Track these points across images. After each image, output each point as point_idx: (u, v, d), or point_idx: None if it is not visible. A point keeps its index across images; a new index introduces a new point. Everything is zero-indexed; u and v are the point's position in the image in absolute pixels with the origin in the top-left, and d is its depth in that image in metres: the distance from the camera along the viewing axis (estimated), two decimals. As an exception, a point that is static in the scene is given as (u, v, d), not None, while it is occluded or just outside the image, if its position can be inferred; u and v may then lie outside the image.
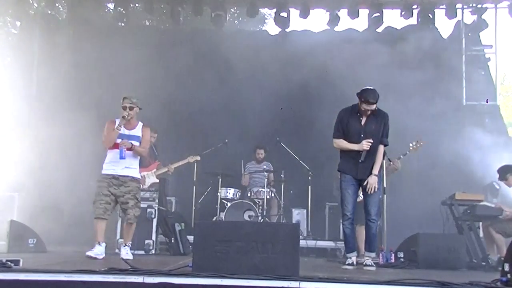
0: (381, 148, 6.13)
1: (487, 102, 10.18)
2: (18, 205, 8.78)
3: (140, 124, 6.67)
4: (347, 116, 6.17)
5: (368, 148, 5.98)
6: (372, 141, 5.98)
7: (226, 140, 9.66)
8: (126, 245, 6.65)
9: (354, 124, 6.10)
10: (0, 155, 8.87)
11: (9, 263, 4.27)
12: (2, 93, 10.03)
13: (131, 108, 6.45)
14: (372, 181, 6.01)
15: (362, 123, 6.07)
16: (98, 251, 6.19)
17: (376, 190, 6.05)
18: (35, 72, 10.43)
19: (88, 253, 6.08)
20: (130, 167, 6.49)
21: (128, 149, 6.38)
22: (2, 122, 9.45)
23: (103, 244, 6.34)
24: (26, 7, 10.43)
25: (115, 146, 6.40)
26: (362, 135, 6.04)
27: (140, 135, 6.60)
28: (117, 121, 6.42)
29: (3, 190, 8.99)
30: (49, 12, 10.47)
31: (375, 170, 6.05)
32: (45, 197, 8.73)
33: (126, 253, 6.56)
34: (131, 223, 6.60)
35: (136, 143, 6.48)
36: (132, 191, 6.48)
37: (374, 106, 5.94)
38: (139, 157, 6.66)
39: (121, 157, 6.32)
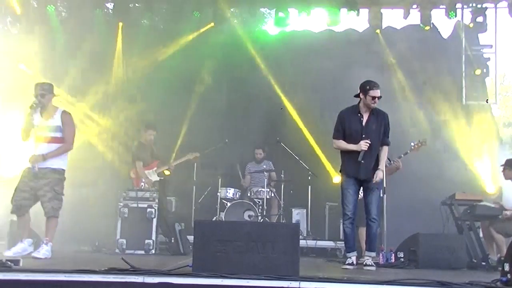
0: (385, 148, 6.18)
1: (487, 102, 10.16)
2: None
3: (60, 110, 6.19)
4: (348, 116, 6.20)
5: (366, 148, 5.99)
6: (369, 142, 5.99)
7: (226, 140, 9.66)
8: (44, 242, 6.02)
9: (355, 124, 6.12)
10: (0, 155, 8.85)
11: (9, 263, 4.27)
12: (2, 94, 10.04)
13: (42, 96, 6.03)
14: (380, 175, 6.05)
15: (363, 123, 6.09)
16: (20, 248, 5.89)
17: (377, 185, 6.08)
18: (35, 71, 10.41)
19: (6, 253, 5.82)
20: (51, 158, 6.03)
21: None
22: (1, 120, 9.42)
23: (26, 241, 5.99)
24: (26, 7, 10.41)
25: (35, 138, 6.06)
26: (363, 135, 6.05)
27: (60, 124, 6.10)
28: (31, 114, 6.03)
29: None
30: (49, 12, 10.43)
31: (381, 165, 6.10)
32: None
33: (44, 251, 5.90)
34: (49, 218, 6.04)
35: (56, 134, 6.06)
36: (50, 183, 5.99)
37: (379, 92, 5.98)
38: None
39: (33, 171, 5.95)
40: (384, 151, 6.19)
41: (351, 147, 6.08)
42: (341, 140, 6.18)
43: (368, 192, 6.14)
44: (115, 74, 10.46)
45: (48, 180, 6.01)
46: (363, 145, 5.99)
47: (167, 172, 8.76)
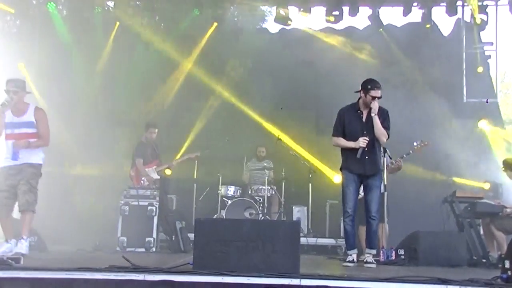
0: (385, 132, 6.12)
1: (487, 102, 10.13)
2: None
3: (32, 107, 6.01)
4: (348, 114, 6.20)
5: (365, 145, 5.98)
6: (368, 139, 5.98)
7: (227, 139, 9.65)
8: (22, 238, 5.82)
9: (355, 122, 6.13)
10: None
11: (10, 261, 4.28)
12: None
13: (15, 93, 5.84)
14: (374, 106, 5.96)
15: (363, 120, 6.09)
16: (6, 248, 5.79)
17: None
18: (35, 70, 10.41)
19: None
20: (25, 154, 5.88)
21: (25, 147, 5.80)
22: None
23: (12, 241, 5.86)
24: (25, 5, 10.41)
25: (8, 137, 5.90)
26: (364, 132, 6.05)
27: (33, 120, 5.93)
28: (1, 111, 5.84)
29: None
30: (49, 10, 10.43)
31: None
32: (47, 196, 8.74)
33: (19, 247, 5.72)
34: (23, 211, 5.86)
35: (30, 130, 5.91)
36: (25, 177, 5.82)
37: (380, 93, 5.97)
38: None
39: (14, 158, 5.80)
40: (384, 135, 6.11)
41: (350, 144, 6.07)
42: (340, 138, 6.17)
43: (369, 190, 6.13)
44: (121, 73, 10.43)
45: (23, 174, 5.84)
46: (362, 142, 5.98)
47: (168, 172, 8.76)
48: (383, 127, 6.07)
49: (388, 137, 6.17)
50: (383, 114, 6.14)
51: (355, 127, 6.11)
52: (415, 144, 7.54)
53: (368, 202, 6.11)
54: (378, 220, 6.18)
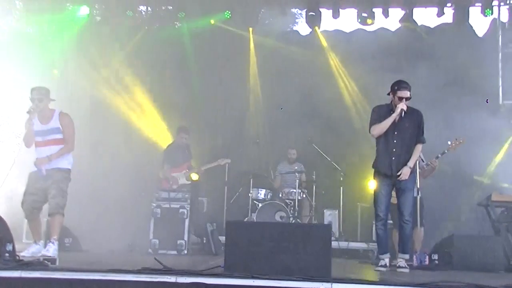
0: (418, 146, 6.09)
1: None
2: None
3: (57, 112, 6.09)
4: (383, 112, 6.13)
5: (405, 108, 5.87)
6: (405, 108, 5.88)
7: (258, 140, 9.65)
8: (50, 241, 5.85)
9: (386, 119, 6.04)
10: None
11: (46, 262, 4.38)
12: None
13: (40, 100, 5.95)
14: (405, 171, 5.94)
15: (396, 120, 6.02)
16: (35, 249, 5.90)
17: (407, 185, 5.99)
18: (67, 75, 10.62)
19: (23, 253, 5.73)
20: (55, 160, 5.97)
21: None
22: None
23: (41, 243, 6.00)
24: (60, 9, 10.60)
25: (38, 144, 6.01)
26: (395, 132, 6.00)
27: (59, 126, 6.03)
28: (30, 120, 5.95)
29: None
30: (82, 14, 10.62)
31: (411, 163, 5.99)
32: (80, 198, 8.91)
33: (46, 249, 5.75)
34: (52, 214, 5.92)
35: (58, 136, 6.02)
36: (55, 181, 5.91)
37: (409, 93, 5.92)
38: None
39: (41, 175, 5.89)
40: (417, 149, 6.10)
41: (390, 119, 5.97)
42: (377, 124, 6.09)
43: (401, 193, 6.06)
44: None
45: (54, 179, 5.94)
46: (401, 106, 5.86)
47: (194, 177, 8.71)
48: (418, 129, 6.03)
49: (423, 142, 6.10)
50: (418, 117, 6.07)
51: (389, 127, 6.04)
52: (449, 142, 7.36)
53: (400, 206, 6.04)
54: (411, 224, 6.09)
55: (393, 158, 6.00)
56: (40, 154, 6.00)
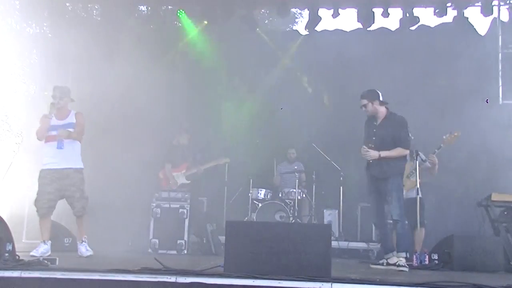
0: (398, 148, 6.21)
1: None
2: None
3: (73, 113, 6.49)
4: (368, 121, 6.51)
5: (368, 156, 6.19)
6: (366, 149, 6.19)
7: (257, 141, 9.65)
8: (82, 241, 6.43)
9: (368, 129, 6.43)
10: (37, 156, 9.04)
11: (46, 261, 4.39)
12: (39, 95, 10.25)
13: (61, 98, 6.35)
14: (371, 153, 6.18)
15: (375, 128, 6.31)
16: (44, 249, 6.05)
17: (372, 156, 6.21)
18: (70, 75, 10.61)
19: (32, 253, 5.91)
20: (70, 158, 6.32)
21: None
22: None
23: (49, 243, 6.18)
24: (61, 10, 10.58)
25: (50, 139, 6.28)
26: (374, 138, 6.28)
27: (74, 121, 6.42)
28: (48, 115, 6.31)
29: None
30: (84, 15, 10.60)
31: (383, 153, 6.16)
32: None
33: (85, 249, 6.38)
34: (80, 216, 6.37)
35: (70, 130, 6.34)
36: (76, 183, 6.28)
37: (363, 101, 6.33)
38: (78, 147, 6.49)
39: (59, 147, 6.21)
40: (396, 150, 6.20)
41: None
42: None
43: (384, 195, 6.28)
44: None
45: (73, 181, 6.27)
46: (362, 152, 6.23)
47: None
48: (397, 136, 6.18)
49: (405, 147, 6.21)
50: (397, 123, 6.26)
51: (368, 133, 6.42)
52: (444, 137, 7.35)
53: (391, 208, 6.25)
54: (402, 223, 6.20)
55: (371, 161, 6.23)
56: (51, 148, 6.23)
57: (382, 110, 6.32)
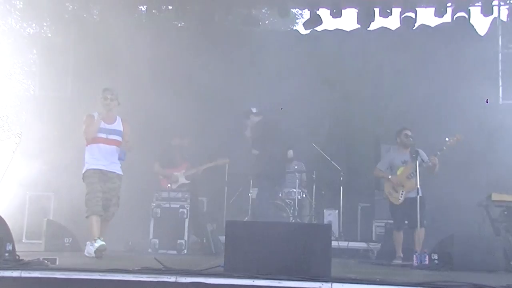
0: None
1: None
2: (54, 204, 8.98)
3: (119, 118, 6.53)
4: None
5: None
6: None
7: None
8: (99, 238, 6.17)
9: None
10: (37, 156, 9.03)
11: (46, 261, 4.38)
12: (39, 95, 10.25)
13: (112, 100, 6.36)
14: None
15: None
16: (99, 244, 6.01)
17: None
18: (70, 75, 10.61)
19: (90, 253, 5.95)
20: (115, 162, 6.41)
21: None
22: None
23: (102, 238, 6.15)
24: (60, 10, 10.58)
25: (96, 140, 6.30)
26: None
27: (121, 129, 6.47)
28: (96, 115, 6.32)
29: (40, 190, 9.20)
30: (84, 15, 10.61)
31: None
32: (81, 197, 8.90)
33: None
34: (108, 221, 6.45)
35: (119, 138, 6.41)
36: (116, 189, 6.40)
37: None
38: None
39: (121, 158, 6.30)
40: None
41: None
42: None
43: None
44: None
45: (115, 185, 6.38)
46: None
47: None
48: None
49: None
50: None
51: None
52: (447, 139, 7.36)
53: None
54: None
55: None
56: (102, 151, 6.29)
57: None
